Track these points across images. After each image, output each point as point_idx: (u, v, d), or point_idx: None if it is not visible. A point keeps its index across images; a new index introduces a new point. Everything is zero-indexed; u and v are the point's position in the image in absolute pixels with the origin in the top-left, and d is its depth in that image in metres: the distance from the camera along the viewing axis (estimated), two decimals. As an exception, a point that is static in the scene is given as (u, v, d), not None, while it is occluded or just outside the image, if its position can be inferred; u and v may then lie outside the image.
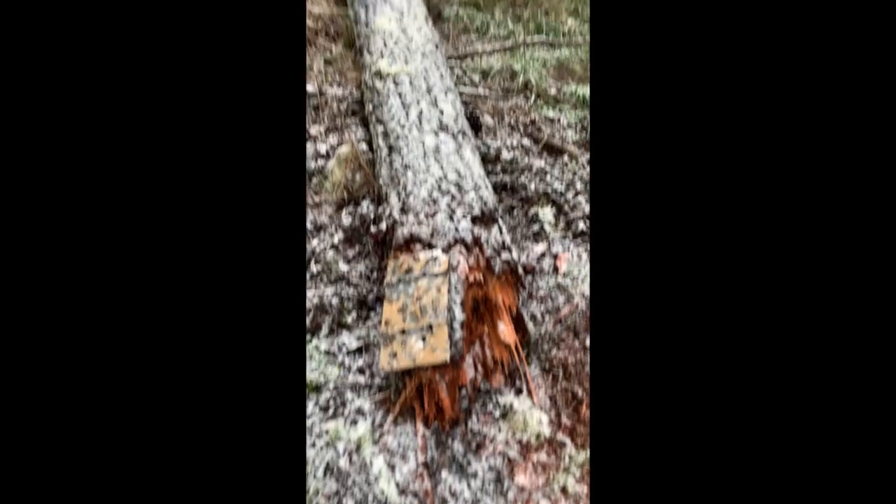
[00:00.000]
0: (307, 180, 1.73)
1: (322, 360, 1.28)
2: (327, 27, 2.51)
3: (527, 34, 2.75)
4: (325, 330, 1.35)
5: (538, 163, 1.92)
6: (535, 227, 1.71)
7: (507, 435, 1.15)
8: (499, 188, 1.80)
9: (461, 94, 2.07)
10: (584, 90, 2.41)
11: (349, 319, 1.38)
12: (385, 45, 1.75)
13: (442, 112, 1.54)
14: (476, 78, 2.31)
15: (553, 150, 2.09)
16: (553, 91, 2.41)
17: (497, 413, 1.18)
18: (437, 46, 1.84)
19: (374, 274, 1.49)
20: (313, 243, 1.54)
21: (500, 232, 1.35)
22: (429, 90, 1.60)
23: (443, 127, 1.49)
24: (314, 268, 1.47)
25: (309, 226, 1.59)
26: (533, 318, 1.40)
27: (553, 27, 2.87)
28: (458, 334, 1.10)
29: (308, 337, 1.33)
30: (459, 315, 1.11)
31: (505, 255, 1.29)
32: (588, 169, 1.93)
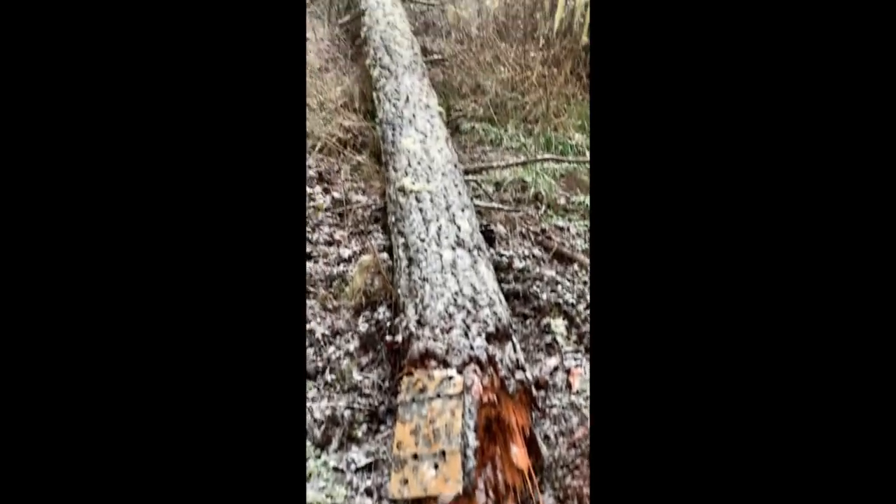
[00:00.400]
0: (329, 283, 1.80)
1: (330, 479, 1.24)
2: (355, 138, 2.77)
3: (537, 148, 2.99)
4: (334, 444, 1.33)
5: (549, 272, 2.00)
6: (548, 339, 1.73)
7: (521, 576, 1.08)
8: (511, 297, 1.86)
9: (476, 206, 2.21)
10: (592, 201, 2.56)
11: (359, 433, 1.36)
12: (409, 163, 1.93)
13: (459, 228, 1.65)
14: (490, 189, 2.47)
15: (563, 259, 2.17)
16: (562, 200, 2.57)
17: (509, 549, 1.11)
18: (455, 166, 2.01)
19: (386, 383, 1.49)
20: (329, 350, 1.57)
21: (514, 350, 1.37)
22: (447, 207, 1.73)
23: (460, 242, 1.59)
24: (328, 376, 1.48)
25: (326, 331, 1.63)
26: (546, 439, 1.37)
27: (561, 141, 3.13)
28: (472, 463, 1.08)
29: (318, 451, 1.31)
30: (473, 442, 1.10)
31: (519, 375, 1.30)
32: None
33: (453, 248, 1.56)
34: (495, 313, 1.40)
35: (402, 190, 1.84)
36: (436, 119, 2.25)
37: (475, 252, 1.59)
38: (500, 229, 2.22)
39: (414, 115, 2.20)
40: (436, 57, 3.46)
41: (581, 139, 3.21)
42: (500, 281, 1.91)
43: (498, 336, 1.36)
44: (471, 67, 3.56)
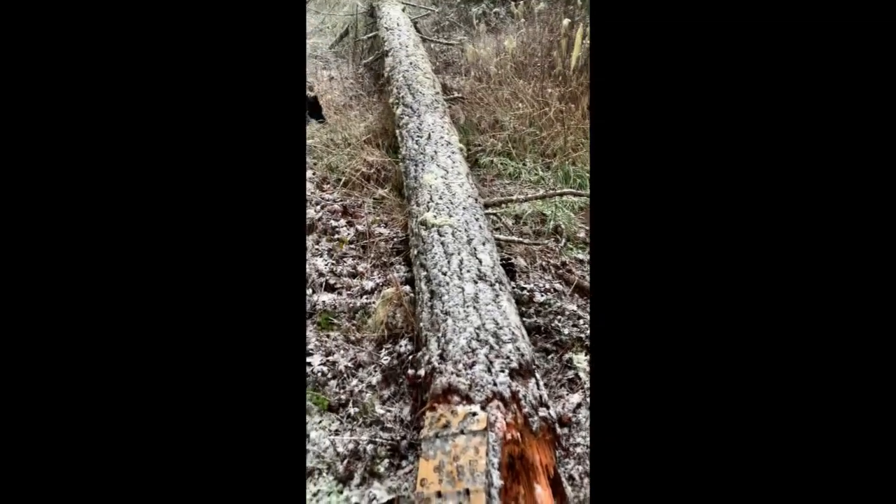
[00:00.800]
0: (352, 314, 1.83)
1: (351, 516, 1.23)
2: (378, 173, 2.85)
3: (556, 182, 3.03)
4: (356, 479, 1.32)
5: (570, 306, 1.99)
6: (570, 374, 1.72)
7: None
8: (532, 331, 1.86)
9: (496, 239, 2.24)
10: (612, 234, 2.57)
11: (381, 468, 1.36)
12: (431, 198, 1.98)
13: (480, 262, 1.67)
14: (509, 222, 2.51)
15: (584, 293, 2.17)
16: (582, 234, 2.58)
17: None
18: (476, 200, 2.05)
19: (408, 417, 1.49)
20: (352, 383, 1.58)
21: (538, 386, 1.37)
22: (469, 241, 1.76)
23: (481, 276, 1.61)
24: (351, 409, 1.49)
25: (349, 364, 1.65)
26: (571, 479, 1.34)
27: (580, 175, 3.17)
28: (496, 502, 1.06)
29: (340, 486, 1.30)
30: (497, 481, 1.09)
31: (543, 412, 1.29)
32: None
33: (475, 282, 1.58)
34: (518, 349, 1.40)
35: (424, 224, 1.88)
36: (456, 155, 2.32)
37: (497, 286, 1.60)
38: (521, 262, 2.24)
39: (436, 152, 2.27)
40: (456, 94, 3.58)
41: (599, 172, 3.25)
42: (521, 315, 1.92)
43: (521, 372, 1.36)
44: (489, 104, 3.67)
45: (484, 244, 1.79)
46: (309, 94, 3.03)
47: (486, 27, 4.75)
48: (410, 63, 3.14)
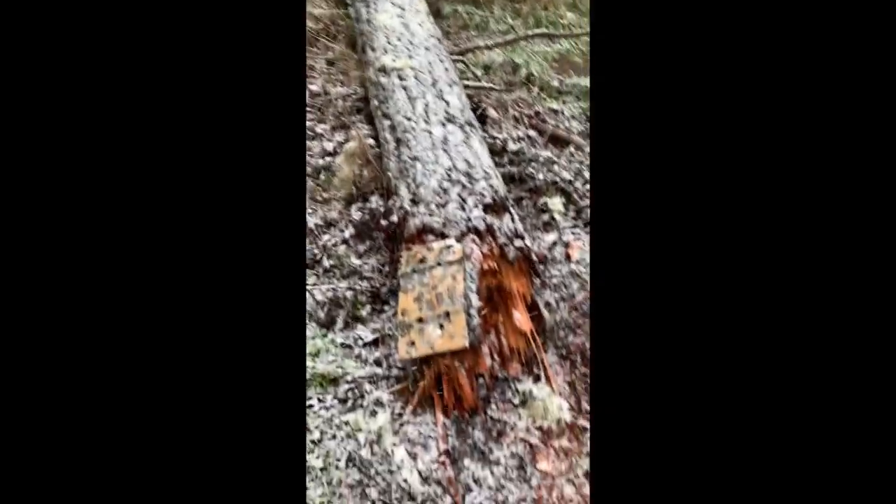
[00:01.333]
0: (316, 175, 1.73)
1: (339, 354, 1.27)
2: (328, 28, 2.52)
3: (526, 28, 2.75)
4: (339, 324, 1.34)
5: (545, 153, 1.92)
6: (545, 217, 1.71)
7: (528, 422, 1.14)
8: (507, 179, 1.80)
9: (465, 88, 2.07)
10: (586, 81, 2.41)
11: (364, 312, 1.38)
12: (388, 40, 1.76)
13: (448, 104, 1.54)
14: (479, 72, 2.31)
15: (559, 141, 2.09)
16: (556, 83, 2.41)
17: (516, 400, 1.17)
18: (439, 40, 1.84)
19: (386, 268, 1.48)
20: (324, 238, 1.54)
21: (512, 220, 1.35)
22: (434, 83, 1.61)
23: (449, 118, 1.49)
24: (326, 262, 1.47)
25: (319, 221, 1.59)
26: (548, 305, 1.40)
27: (552, 21, 2.88)
28: (476, 320, 1.09)
29: (323, 331, 1.32)
30: (476, 302, 1.11)
31: (518, 243, 1.28)
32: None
33: (443, 125, 1.47)
34: (491, 186, 1.35)
35: (382, 69, 1.69)
36: (414, -8, 2.03)
37: (466, 128, 1.50)
38: (493, 113, 2.10)
39: (389, -11, 1.98)
40: None
41: (574, 17, 2.96)
42: (495, 164, 1.85)
43: (495, 207, 1.32)
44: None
45: (451, 86, 1.64)
46: None
47: None
48: None
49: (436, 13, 2.87)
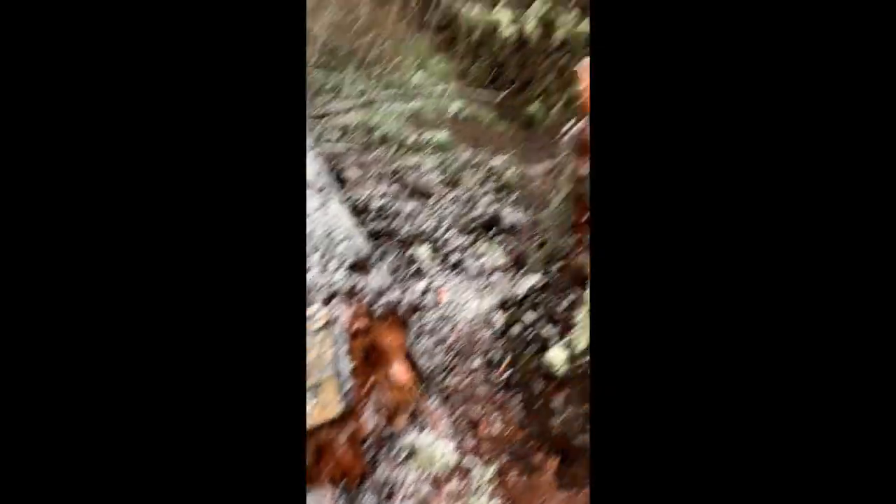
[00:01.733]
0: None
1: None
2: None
3: (380, 90, 2.94)
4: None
5: (408, 206, 2.04)
6: (414, 268, 1.80)
7: (417, 474, 1.16)
8: (374, 235, 1.87)
9: (323, 152, 2.13)
10: (442, 136, 2.64)
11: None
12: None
13: (307, 170, 1.57)
14: (336, 135, 2.39)
15: (420, 194, 2.23)
16: (412, 139, 2.60)
17: (403, 455, 1.18)
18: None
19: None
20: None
21: (379, 276, 1.40)
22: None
23: (306, 185, 1.52)
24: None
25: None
26: (425, 352, 1.45)
27: (403, 82, 3.12)
28: (348, 385, 1.10)
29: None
30: (347, 365, 1.12)
31: (385, 298, 1.33)
32: (451, 207, 2.09)
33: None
34: (354, 246, 1.39)
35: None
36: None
37: (323, 193, 1.54)
38: (354, 172, 2.18)
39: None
40: None
41: (421, 77, 3.24)
42: (361, 223, 1.90)
43: (359, 266, 1.36)
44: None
45: (311, 150, 1.68)
46: None
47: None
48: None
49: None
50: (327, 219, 1.44)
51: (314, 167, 1.63)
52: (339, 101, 2.81)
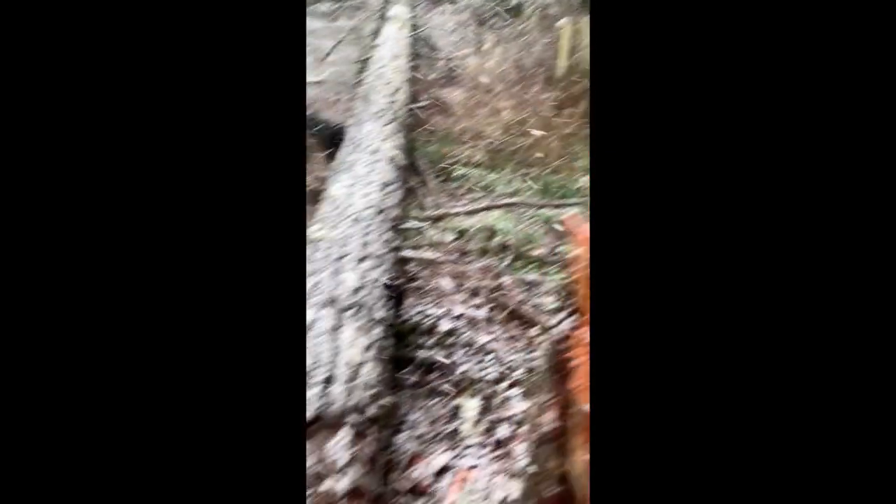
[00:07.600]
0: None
1: None
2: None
3: (534, 195, 2.66)
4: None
5: (483, 338, 1.63)
6: (453, 425, 1.36)
7: None
8: (427, 368, 1.52)
9: (409, 259, 1.95)
10: (574, 249, 2.15)
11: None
12: (328, 211, 1.75)
13: (340, 283, 1.40)
14: (448, 237, 2.19)
15: (521, 319, 1.78)
16: (537, 251, 2.19)
17: None
18: (380, 211, 1.79)
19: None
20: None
21: (352, 442, 1.05)
22: (340, 258, 1.50)
23: (332, 300, 1.33)
24: None
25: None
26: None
27: (561, 185, 2.77)
28: None
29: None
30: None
31: (355, 481, 0.97)
32: (545, 350, 1.57)
33: (320, 308, 1.31)
34: (327, 393, 1.10)
35: (308, 240, 1.65)
36: (380, 164, 2.08)
37: (347, 312, 1.32)
38: (446, 284, 1.91)
39: (356, 161, 2.06)
40: (423, 103, 3.35)
41: (586, 182, 2.82)
42: (417, 347, 1.60)
43: (326, 423, 1.05)
44: (477, 114, 3.41)
45: (360, 261, 1.51)
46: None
47: (494, 37, 4.51)
48: (376, 75, 2.99)
49: (446, 177, 2.93)
50: (323, 347, 1.20)
51: (354, 280, 1.44)
52: (484, 199, 2.64)
